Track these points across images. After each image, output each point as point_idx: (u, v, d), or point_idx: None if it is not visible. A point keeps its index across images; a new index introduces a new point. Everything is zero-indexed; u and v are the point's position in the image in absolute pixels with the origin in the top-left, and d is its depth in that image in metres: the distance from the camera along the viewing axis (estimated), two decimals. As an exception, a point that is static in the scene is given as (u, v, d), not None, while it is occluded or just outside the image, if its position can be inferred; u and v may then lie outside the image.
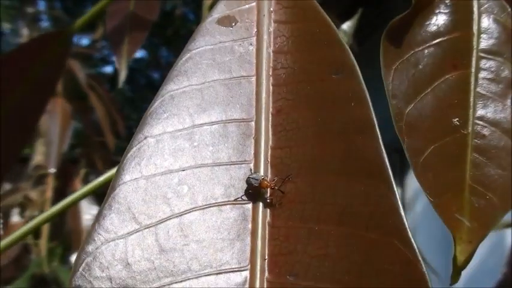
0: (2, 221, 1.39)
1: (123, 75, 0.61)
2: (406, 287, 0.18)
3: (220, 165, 0.22)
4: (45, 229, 1.38)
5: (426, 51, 0.27)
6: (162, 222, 0.21)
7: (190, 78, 0.24)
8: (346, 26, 0.58)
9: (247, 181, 0.22)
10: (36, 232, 1.41)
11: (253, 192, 0.22)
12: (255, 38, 0.25)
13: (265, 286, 0.20)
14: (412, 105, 0.26)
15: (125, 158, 0.22)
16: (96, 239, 0.20)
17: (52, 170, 1.38)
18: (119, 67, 0.60)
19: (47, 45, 0.46)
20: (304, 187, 0.21)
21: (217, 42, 0.25)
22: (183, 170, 0.22)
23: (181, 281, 0.20)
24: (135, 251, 0.20)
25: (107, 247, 0.20)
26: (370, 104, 0.21)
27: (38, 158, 1.45)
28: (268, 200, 0.22)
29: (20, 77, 0.45)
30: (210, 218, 0.21)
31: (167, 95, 0.23)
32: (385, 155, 0.20)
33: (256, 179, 0.22)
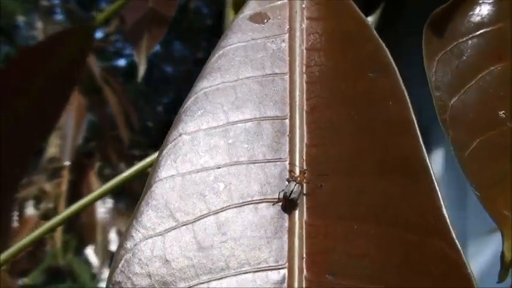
0: (17, 213, 1.41)
1: (142, 70, 0.61)
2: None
3: (255, 162, 0.22)
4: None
5: (470, 42, 0.27)
6: (199, 219, 0.21)
7: (223, 75, 0.24)
8: (369, 20, 0.57)
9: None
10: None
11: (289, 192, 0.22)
12: (287, 35, 0.25)
13: (303, 285, 0.20)
14: (457, 97, 0.25)
15: (161, 154, 0.22)
16: (134, 235, 0.20)
17: (67, 163, 1.39)
18: (138, 62, 0.60)
19: (69, 41, 0.46)
20: (341, 186, 0.21)
21: (249, 39, 0.25)
22: (219, 168, 0.22)
23: (219, 279, 0.20)
24: (173, 248, 0.20)
25: (146, 244, 0.20)
26: (409, 102, 0.21)
27: (51, 150, 1.47)
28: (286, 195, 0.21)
29: (42, 72, 0.46)
30: (246, 216, 0.21)
31: (201, 92, 0.23)
32: (426, 155, 0.20)
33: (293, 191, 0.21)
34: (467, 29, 0.27)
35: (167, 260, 0.20)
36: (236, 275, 0.20)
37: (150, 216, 0.21)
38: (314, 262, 0.20)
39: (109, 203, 1.48)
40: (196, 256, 0.20)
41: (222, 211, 0.21)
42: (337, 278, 0.20)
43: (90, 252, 1.42)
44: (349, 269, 0.20)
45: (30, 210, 1.52)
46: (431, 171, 0.20)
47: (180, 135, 0.22)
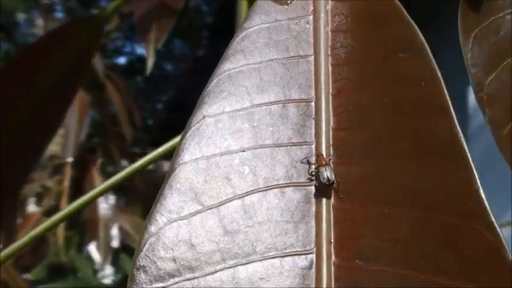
0: (19, 210, 1.40)
1: (150, 63, 0.61)
2: (490, 274, 0.17)
3: (280, 146, 0.22)
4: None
5: (508, 17, 0.26)
6: (224, 203, 0.20)
7: (247, 57, 0.23)
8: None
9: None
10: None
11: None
12: (311, 17, 0.24)
13: (332, 270, 0.19)
14: (494, 74, 0.25)
15: (184, 137, 0.21)
16: (158, 219, 0.20)
17: (69, 159, 1.39)
18: (147, 54, 0.60)
19: (78, 32, 0.45)
20: (371, 169, 0.21)
21: (273, 20, 0.24)
22: (244, 151, 0.21)
23: (246, 263, 0.19)
24: (198, 232, 0.20)
25: (170, 228, 0.20)
26: (443, 83, 0.20)
27: (52, 148, 1.46)
28: (321, 182, 0.21)
29: (50, 64, 0.45)
30: (272, 200, 0.21)
31: (224, 74, 0.23)
32: (461, 136, 0.19)
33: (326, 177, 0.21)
34: (505, 3, 0.26)
35: (192, 244, 0.19)
36: (263, 259, 0.20)
37: (174, 199, 0.20)
38: (343, 247, 0.20)
39: (111, 199, 1.47)
40: (222, 240, 0.20)
41: (247, 195, 0.21)
42: (368, 264, 0.19)
43: (92, 248, 1.41)
44: (381, 254, 0.19)
45: (32, 207, 1.51)
46: (468, 153, 0.19)
47: (204, 117, 0.22)
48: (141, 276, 0.19)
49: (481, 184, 0.18)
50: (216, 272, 0.19)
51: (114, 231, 1.41)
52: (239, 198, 0.20)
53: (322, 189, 0.21)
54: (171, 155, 0.40)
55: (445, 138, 0.20)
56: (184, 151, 0.21)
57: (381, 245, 0.19)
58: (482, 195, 0.18)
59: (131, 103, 1.51)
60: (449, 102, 0.20)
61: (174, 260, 0.19)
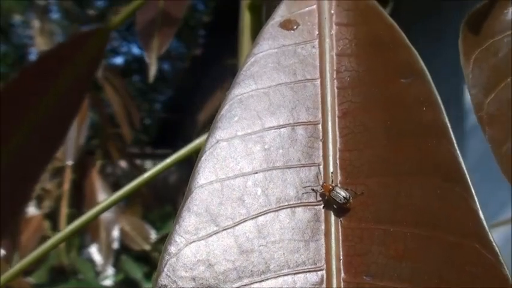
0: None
1: (153, 71, 0.62)
2: (489, 289, 0.19)
3: (290, 167, 0.23)
4: (63, 221, 1.39)
5: (505, 40, 0.27)
6: (239, 223, 0.22)
7: (257, 82, 0.24)
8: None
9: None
10: (54, 224, 1.42)
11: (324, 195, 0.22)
12: (317, 41, 0.26)
13: (342, 286, 0.21)
14: (493, 95, 0.26)
15: (199, 161, 0.23)
16: (178, 240, 0.21)
17: (70, 163, 1.39)
18: (149, 61, 0.61)
19: (86, 43, 0.46)
20: (377, 189, 0.22)
21: (280, 45, 0.25)
22: (256, 173, 0.23)
23: (260, 281, 0.21)
24: (215, 252, 0.21)
25: (189, 248, 0.21)
26: (443, 108, 0.22)
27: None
28: (339, 203, 0.22)
29: (57, 76, 0.46)
30: (284, 219, 0.22)
31: (236, 98, 0.24)
32: (461, 159, 0.20)
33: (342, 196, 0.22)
34: (503, 27, 0.27)
35: (210, 264, 0.21)
36: (276, 277, 0.21)
37: (192, 221, 0.21)
38: (351, 264, 0.21)
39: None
40: (238, 259, 0.21)
41: (260, 215, 0.22)
42: (375, 280, 0.20)
43: (93, 250, 1.42)
44: (387, 270, 0.20)
45: (32, 210, 1.52)
46: (467, 176, 0.20)
47: (218, 141, 0.23)
48: (163, 295, 0.20)
49: (479, 204, 0.20)
50: (233, 289, 0.20)
51: (115, 232, 1.42)
52: (253, 218, 0.22)
53: (343, 207, 0.22)
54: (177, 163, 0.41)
55: (446, 160, 0.21)
56: (200, 174, 0.22)
57: (387, 261, 0.20)
58: (481, 215, 0.20)
59: (130, 104, 1.52)
60: (449, 126, 0.21)
61: (193, 279, 0.20)
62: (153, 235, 1.42)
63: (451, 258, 0.20)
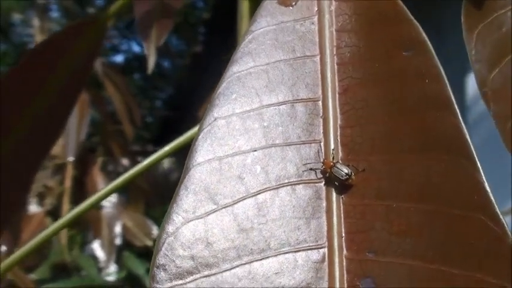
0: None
1: (152, 62, 0.61)
2: (495, 262, 0.18)
3: (290, 144, 0.22)
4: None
5: (509, 14, 0.27)
6: (238, 201, 0.21)
7: (255, 59, 0.24)
8: None
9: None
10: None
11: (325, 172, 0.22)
12: (316, 17, 0.25)
13: (344, 263, 0.20)
14: (497, 70, 0.25)
15: (197, 139, 0.22)
16: (175, 219, 0.20)
17: (70, 159, 1.39)
18: (148, 52, 0.60)
19: (82, 33, 0.46)
20: (379, 165, 0.21)
21: (278, 22, 0.25)
22: (255, 151, 0.22)
23: (261, 259, 0.20)
24: (214, 230, 0.20)
25: (187, 227, 0.20)
26: (446, 80, 0.21)
27: (54, 147, 1.46)
28: (341, 179, 0.22)
29: (55, 66, 0.45)
30: (284, 197, 0.21)
31: (234, 76, 0.23)
32: (465, 131, 0.20)
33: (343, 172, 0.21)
34: (507, 1, 0.27)
35: (209, 242, 0.20)
36: (277, 255, 0.20)
37: (190, 200, 0.21)
38: (353, 241, 0.21)
39: (113, 197, 1.48)
40: (238, 238, 0.20)
41: (260, 193, 0.21)
42: (378, 256, 0.20)
43: (96, 246, 1.42)
44: (391, 246, 0.20)
45: (33, 207, 1.51)
46: (472, 148, 0.20)
47: (215, 119, 0.22)
48: (161, 275, 0.19)
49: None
50: (232, 268, 0.20)
51: (117, 229, 1.42)
52: (252, 196, 0.21)
53: (345, 184, 0.21)
54: (173, 153, 0.41)
55: (450, 133, 0.20)
56: (198, 152, 0.22)
57: (390, 237, 0.20)
58: (487, 187, 0.19)
59: (131, 101, 1.51)
60: (453, 98, 0.21)
61: (192, 258, 0.20)
62: (155, 231, 1.42)
63: (456, 232, 0.19)
